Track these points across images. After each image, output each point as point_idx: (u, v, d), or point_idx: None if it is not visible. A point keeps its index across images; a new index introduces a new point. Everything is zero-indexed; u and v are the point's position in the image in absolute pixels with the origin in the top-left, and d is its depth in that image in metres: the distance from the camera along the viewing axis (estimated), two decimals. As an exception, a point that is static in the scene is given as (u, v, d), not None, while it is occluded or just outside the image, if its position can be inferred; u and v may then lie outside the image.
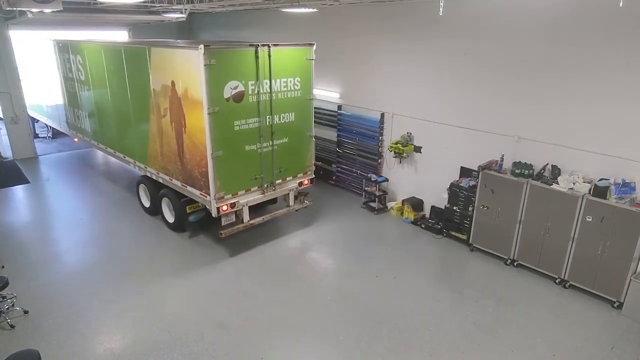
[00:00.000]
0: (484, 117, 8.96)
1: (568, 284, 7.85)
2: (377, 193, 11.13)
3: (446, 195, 9.62)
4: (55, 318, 6.95)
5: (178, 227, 9.82)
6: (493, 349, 6.40)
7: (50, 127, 16.95)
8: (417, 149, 10.48)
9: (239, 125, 8.19)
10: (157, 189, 10.14)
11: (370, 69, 11.05)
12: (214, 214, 8.31)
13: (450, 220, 9.58)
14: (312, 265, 8.74)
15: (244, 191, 8.66)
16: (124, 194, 12.06)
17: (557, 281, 7.98)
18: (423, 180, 10.57)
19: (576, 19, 7.34)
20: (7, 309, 7.00)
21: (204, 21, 17.67)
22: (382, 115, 11.02)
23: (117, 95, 10.42)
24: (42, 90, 14.77)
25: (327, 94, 12.40)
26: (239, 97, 8.03)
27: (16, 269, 8.24)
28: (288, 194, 9.55)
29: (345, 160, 12.42)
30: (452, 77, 9.34)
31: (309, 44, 9.00)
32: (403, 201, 10.79)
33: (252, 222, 8.94)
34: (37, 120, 16.86)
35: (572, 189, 7.49)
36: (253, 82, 8.17)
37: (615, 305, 7.34)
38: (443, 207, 9.77)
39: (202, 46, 7.28)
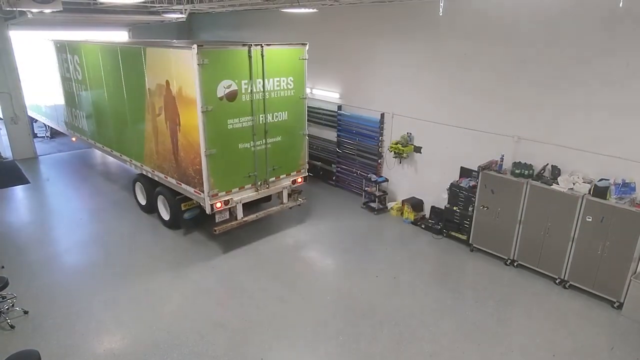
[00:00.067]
0: (484, 117, 8.96)
1: (568, 284, 7.85)
2: (377, 193, 11.12)
3: (446, 196, 9.62)
4: (55, 318, 6.95)
5: (173, 224, 9.92)
6: (493, 349, 6.40)
7: (48, 127, 16.97)
8: (417, 149, 10.49)
9: (232, 124, 8.26)
10: (152, 187, 10.22)
11: (370, 69, 11.06)
12: (208, 211, 8.40)
13: (450, 221, 9.59)
14: (310, 264, 8.74)
15: (237, 189, 8.73)
16: (123, 193, 12.11)
17: (557, 281, 7.99)
18: (423, 180, 10.57)
19: (576, 19, 7.35)
20: (7, 309, 7.00)
21: (204, 21, 17.68)
22: (382, 115, 11.02)
23: (114, 94, 10.47)
24: (42, 90, 14.77)
25: (327, 94, 12.41)
26: (232, 96, 8.10)
27: (16, 269, 8.25)
28: (282, 191, 9.62)
29: (345, 161, 12.42)
30: (452, 78, 9.34)
31: (302, 43, 9.08)
32: (403, 201, 10.79)
33: (245, 219, 9.03)
34: (36, 120, 16.86)
35: (572, 189, 7.49)
36: (246, 81, 8.25)
37: (615, 305, 7.34)
38: (443, 208, 9.77)
39: (195, 46, 7.37)
